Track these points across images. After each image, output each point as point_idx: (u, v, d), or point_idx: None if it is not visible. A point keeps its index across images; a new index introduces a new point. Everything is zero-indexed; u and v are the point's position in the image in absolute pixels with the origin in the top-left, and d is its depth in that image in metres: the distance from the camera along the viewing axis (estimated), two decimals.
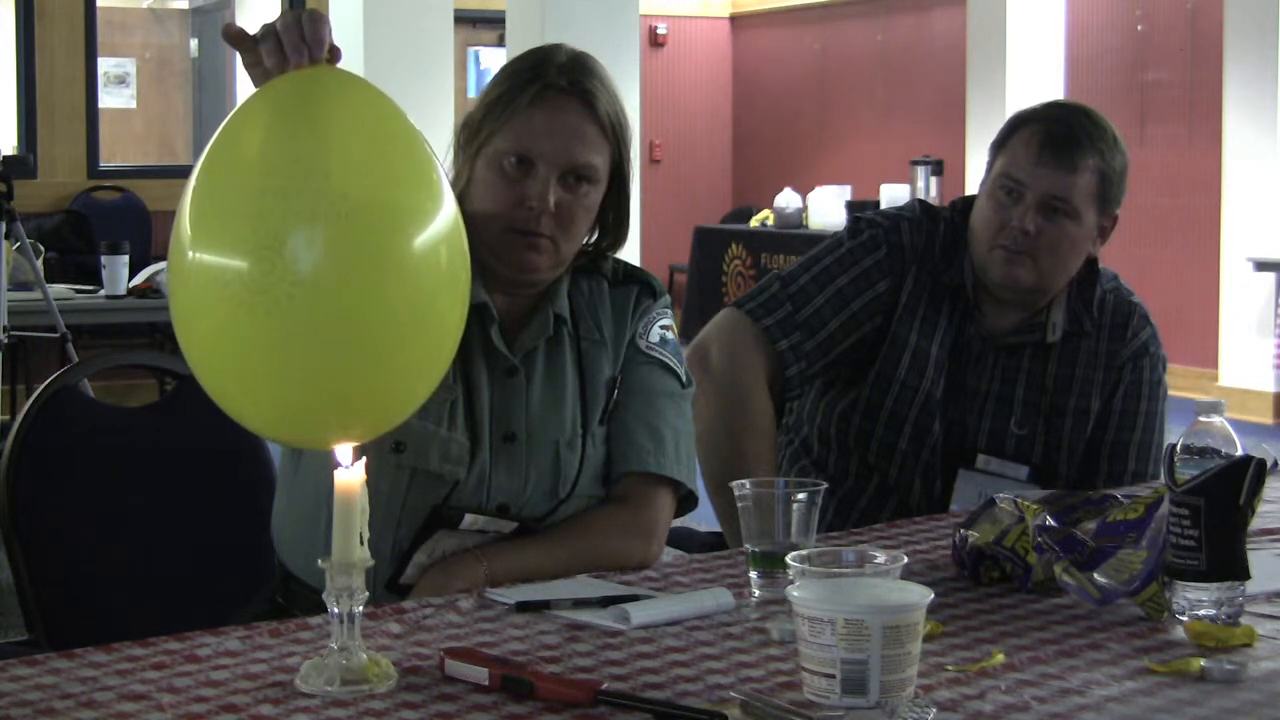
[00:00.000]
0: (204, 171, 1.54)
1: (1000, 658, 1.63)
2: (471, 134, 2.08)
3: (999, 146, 2.59)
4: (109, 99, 10.20)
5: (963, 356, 2.61)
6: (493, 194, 2.04)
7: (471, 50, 12.43)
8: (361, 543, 1.54)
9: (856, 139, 11.90)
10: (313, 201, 1.48)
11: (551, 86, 2.04)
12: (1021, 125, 2.57)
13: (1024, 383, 2.62)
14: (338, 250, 1.48)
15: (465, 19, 11.02)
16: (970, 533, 1.97)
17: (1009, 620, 1.80)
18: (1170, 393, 2.71)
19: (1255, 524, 1.87)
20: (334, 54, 1.60)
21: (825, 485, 1.90)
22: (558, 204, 2.03)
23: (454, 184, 2.09)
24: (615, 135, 2.08)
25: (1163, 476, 1.87)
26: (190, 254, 1.51)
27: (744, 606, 1.83)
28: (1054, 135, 2.52)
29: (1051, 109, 2.62)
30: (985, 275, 2.58)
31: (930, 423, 2.59)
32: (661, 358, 2.15)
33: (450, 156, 2.09)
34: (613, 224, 2.15)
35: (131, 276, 6.03)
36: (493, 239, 2.04)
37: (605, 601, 1.80)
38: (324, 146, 1.53)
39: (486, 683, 1.52)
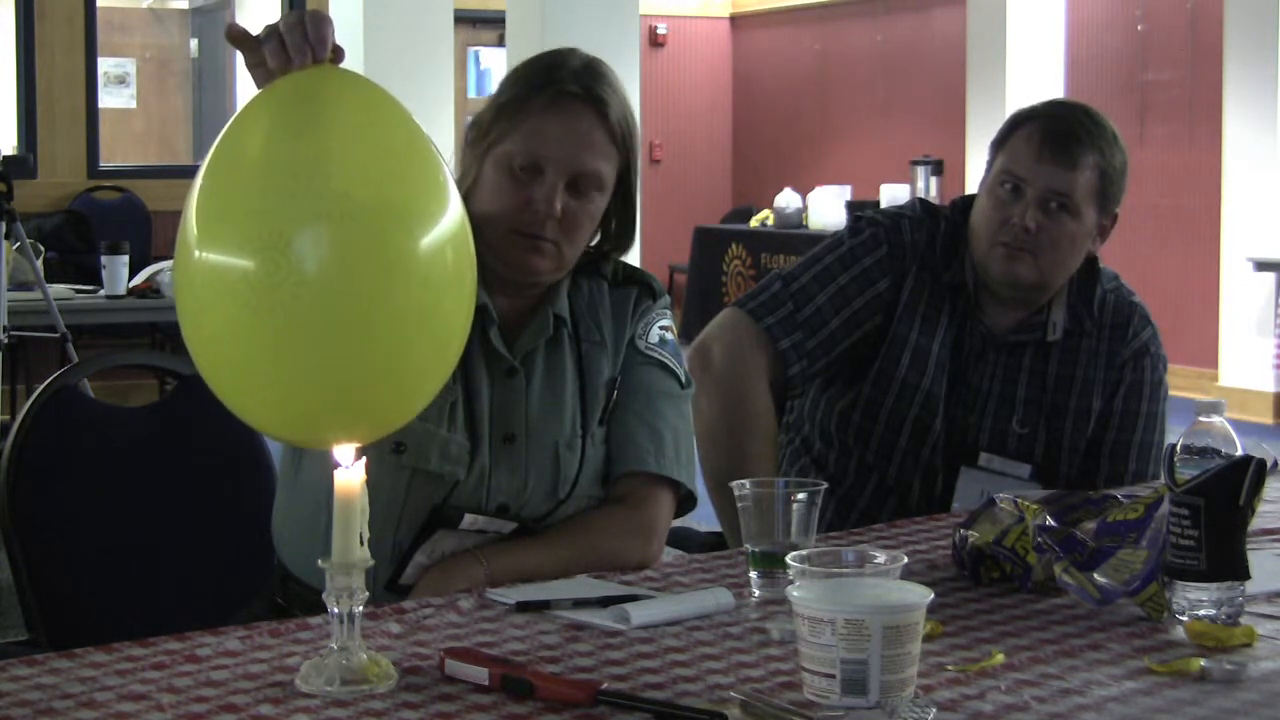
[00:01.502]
0: (209, 171, 1.54)
1: (1000, 658, 1.63)
2: (480, 134, 2.07)
3: (999, 144, 2.59)
4: (109, 99, 10.19)
5: (964, 355, 2.61)
6: (499, 195, 2.04)
7: (471, 50, 12.43)
8: (361, 543, 1.54)
9: (856, 139, 11.90)
10: (317, 201, 1.48)
11: (565, 92, 2.03)
12: (1022, 123, 2.57)
13: (1025, 381, 2.62)
14: (343, 250, 1.48)
15: (465, 19, 11.02)
16: (970, 533, 1.97)
17: (1009, 620, 1.80)
18: (1170, 393, 2.72)
19: (1255, 524, 1.87)
20: (337, 54, 1.60)
21: (825, 485, 1.90)
22: (563, 209, 2.03)
23: (460, 183, 2.08)
24: (625, 143, 2.07)
25: (1163, 476, 1.87)
26: (196, 253, 1.51)
27: (744, 606, 1.83)
28: (1055, 132, 2.52)
29: (1052, 107, 2.62)
30: (986, 273, 2.58)
31: (931, 421, 2.59)
32: (661, 358, 2.15)
33: (456, 155, 2.09)
34: (616, 230, 2.15)
35: (131, 276, 6.03)
36: (496, 240, 2.04)
37: (605, 601, 1.80)
38: (329, 146, 1.53)
39: (486, 683, 1.52)
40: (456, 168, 2.10)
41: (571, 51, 2.09)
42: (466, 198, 2.02)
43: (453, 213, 1.57)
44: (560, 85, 2.03)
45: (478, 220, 1.98)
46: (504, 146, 2.04)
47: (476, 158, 2.07)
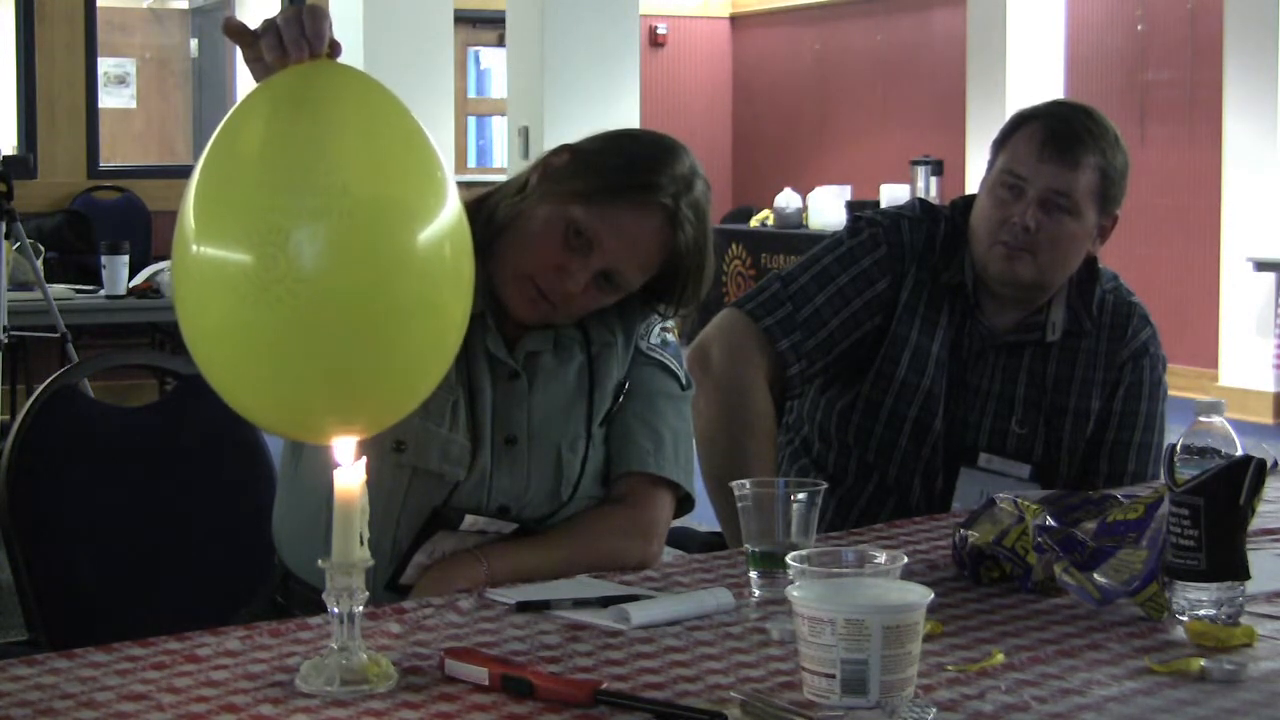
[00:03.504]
0: (206, 166, 1.54)
1: (1000, 658, 1.63)
2: (561, 177, 2.05)
3: (1001, 144, 2.59)
4: (109, 99, 10.20)
5: (963, 355, 2.61)
6: (540, 244, 2.02)
7: (471, 50, 12.43)
8: (361, 543, 1.54)
9: (856, 139, 11.90)
10: (314, 196, 1.48)
11: (656, 202, 2.02)
12: (1024, 123, 2.57)
13: (1025, 381, 2.62)
14: (340, 245, 1.48)
15: (465, 19, 11.02)
16: (970, 533, 1.97)
17: (1009, 620, 1.80)
18: (1170, 393, 2.72)
19: (1255, 524, 1.87)
20: (334, 49, 1.60)
21: (825, 485, 1.90)
22: (582, 292, 2.03)
23: (511, 185, 2.09)
24: (676, 263, 2.05)
25: (1163, 476, 1.87)
26: (194, 248, 1.51)
27: (744, 606, 1.83)
28: (1056, 132, 2.52)
29: (1054, 107, 2.62)
30: (985, 271, 2.58)
31: (930, 421, 2.59)
32: (662, 359, 2.15)
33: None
34: (672, 304, 2.13)
35: (131, 276, 6.02)
36: (514, 274, 2.02)
37: (605, 601, 1.80)
38: (325, 141, 1.53)
39: (486, 683, 1.52)
40: (520, 169, 2.10)
41: (683, 155, 2.07)
42: (518, 202, 2.02)
43: (450, 207, 1.57)
44: (656, 194, 2.02)
45: (507, 242, 2.00)
46: (574, 209, 2.01)
47: (543, 188, 2.05)
